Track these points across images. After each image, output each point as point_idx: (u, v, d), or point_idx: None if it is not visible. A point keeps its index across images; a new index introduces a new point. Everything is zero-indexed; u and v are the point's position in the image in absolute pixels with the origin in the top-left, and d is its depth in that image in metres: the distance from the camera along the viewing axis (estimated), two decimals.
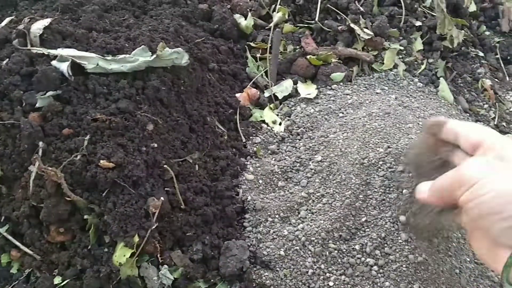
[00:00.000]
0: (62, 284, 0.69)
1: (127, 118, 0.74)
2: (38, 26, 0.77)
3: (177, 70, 0.82)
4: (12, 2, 1.03)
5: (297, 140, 0.88)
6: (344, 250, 0.73)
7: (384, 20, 1.01)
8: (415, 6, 1.08)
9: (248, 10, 1.08)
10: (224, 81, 0.97)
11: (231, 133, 0.90)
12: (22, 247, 0.73)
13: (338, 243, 0.73)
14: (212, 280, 0.74)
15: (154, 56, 0.76)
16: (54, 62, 0.75)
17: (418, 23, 1.05)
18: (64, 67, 0.73)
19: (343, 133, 0.85)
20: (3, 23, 0.89)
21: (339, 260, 0.72)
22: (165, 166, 0.75)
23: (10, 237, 0.74)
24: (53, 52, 0.75)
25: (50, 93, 0.73)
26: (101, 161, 0.70)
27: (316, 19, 1.00)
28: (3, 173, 0.74)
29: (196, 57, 0.90)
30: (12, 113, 0.74)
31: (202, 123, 0.86)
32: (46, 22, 0.77)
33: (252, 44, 1.03)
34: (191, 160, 0.81)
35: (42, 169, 0.68)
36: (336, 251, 0.73)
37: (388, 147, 0.79)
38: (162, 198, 0.72)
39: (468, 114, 1.02)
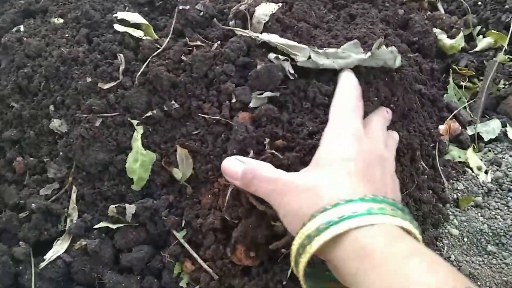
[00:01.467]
0: None
1: None
2: (264, 11, 0.65)
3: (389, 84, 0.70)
4: None
5: (510, 198, 0.74)
6: None
7: None
8: None
9: (450, 27, 0.94)
10: (423, 106, 0.83)
11: (429, 170, 0.77)
12: (200, 261, 0.64)
13: None
14: None
15: (369, 54, 0.63)
16: (271, 56, 0.63)
17: None
18: (285, 64, 0.62)
19: None
20: None
21: None
22: None
23: (187, 246, 0.64)
24: (273, 40, 0.62)
25: (267, 93, 0.62)
26: None
27: None
28: (194, 172, 0.65)
29: (406, 75, 0.77)
30: (218, 107, 0.64)
31: (410, 156, 0.73)
32: (273, 8, 0.66)
33: (456, 68, 0.88)
34: None
35: None
36: None
37: None
38: None
39: None
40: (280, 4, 0.68)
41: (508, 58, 0.89)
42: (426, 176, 0.75)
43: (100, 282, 0.63)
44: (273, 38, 0.61)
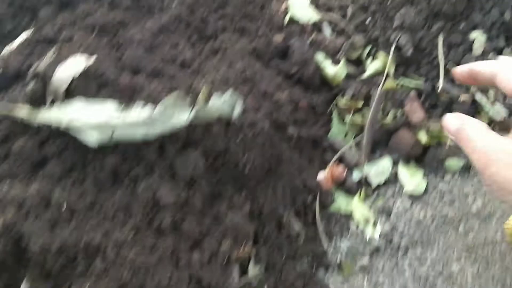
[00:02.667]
0: None
1: None
2: (64, 75, 0.51)
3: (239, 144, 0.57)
4: (31, 5, 0.77)
5: (400, 256, 0.64)
6: None
7: None
8: None
9: (336, 51, 0.83)
10: (301, 152, 0.72)
11: (308, 230, 0.66)
12: None
13: None
14: None
15: (193, 113, 0.51)
16: None
17: None
18: None
19: (471, 266, 0.60)
20: (16, 42, 0.65)
21: None
22: None
23: None
24: (64, 121, 0.49)
25: None
26: None
27: (440, 85, 0.74)
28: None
29: (275, 121, 0.65)
30: None
31: (275, 224, 0.61)
32: (79, 68, 0.52)
33: (342, 99, 0.77)
34: (256, 282, 0.58)
35: None
36: None
37: None
38: None
39: None
40: (94, 58, 0.54)
41: (398, 84, 0.79)
42: (302, 241, 0.64)
43: None
44: (65, 118, 0.48)
